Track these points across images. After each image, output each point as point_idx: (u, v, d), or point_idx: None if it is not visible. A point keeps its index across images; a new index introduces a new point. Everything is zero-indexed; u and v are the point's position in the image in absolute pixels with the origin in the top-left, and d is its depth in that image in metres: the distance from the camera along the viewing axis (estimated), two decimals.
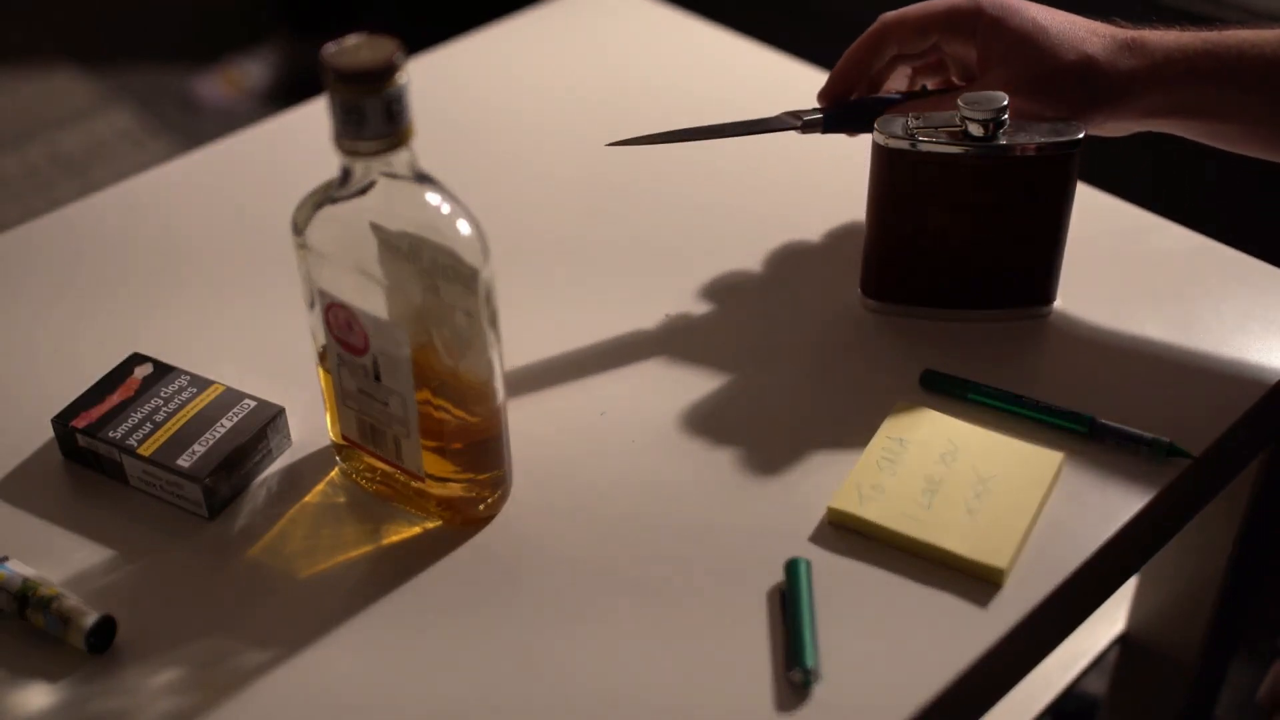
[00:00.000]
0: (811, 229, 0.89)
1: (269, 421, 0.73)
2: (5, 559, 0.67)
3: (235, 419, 0.73)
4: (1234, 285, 0.84)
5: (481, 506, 0.70)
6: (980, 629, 0.65)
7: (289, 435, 0.75)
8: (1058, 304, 0.82)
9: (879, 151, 0.77)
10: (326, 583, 0.68)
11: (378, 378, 0.66)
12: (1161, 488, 0.71)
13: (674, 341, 0.81)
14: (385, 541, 0.70)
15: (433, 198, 0.62)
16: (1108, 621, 1.03)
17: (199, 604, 0.67)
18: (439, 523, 0.70)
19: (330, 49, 0.59)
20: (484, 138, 0.99)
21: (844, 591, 0.66)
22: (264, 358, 0.80)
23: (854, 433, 0.74)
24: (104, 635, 0.64)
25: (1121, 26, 0.77)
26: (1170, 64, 0.74)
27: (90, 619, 0.64)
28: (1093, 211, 0.88)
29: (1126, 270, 0.85)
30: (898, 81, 0.83)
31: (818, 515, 0.70)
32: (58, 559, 0.69)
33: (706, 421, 0.76)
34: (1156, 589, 0.99)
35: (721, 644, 0.64)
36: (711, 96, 1.03)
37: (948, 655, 0.63)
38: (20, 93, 2.44)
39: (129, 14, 2.61)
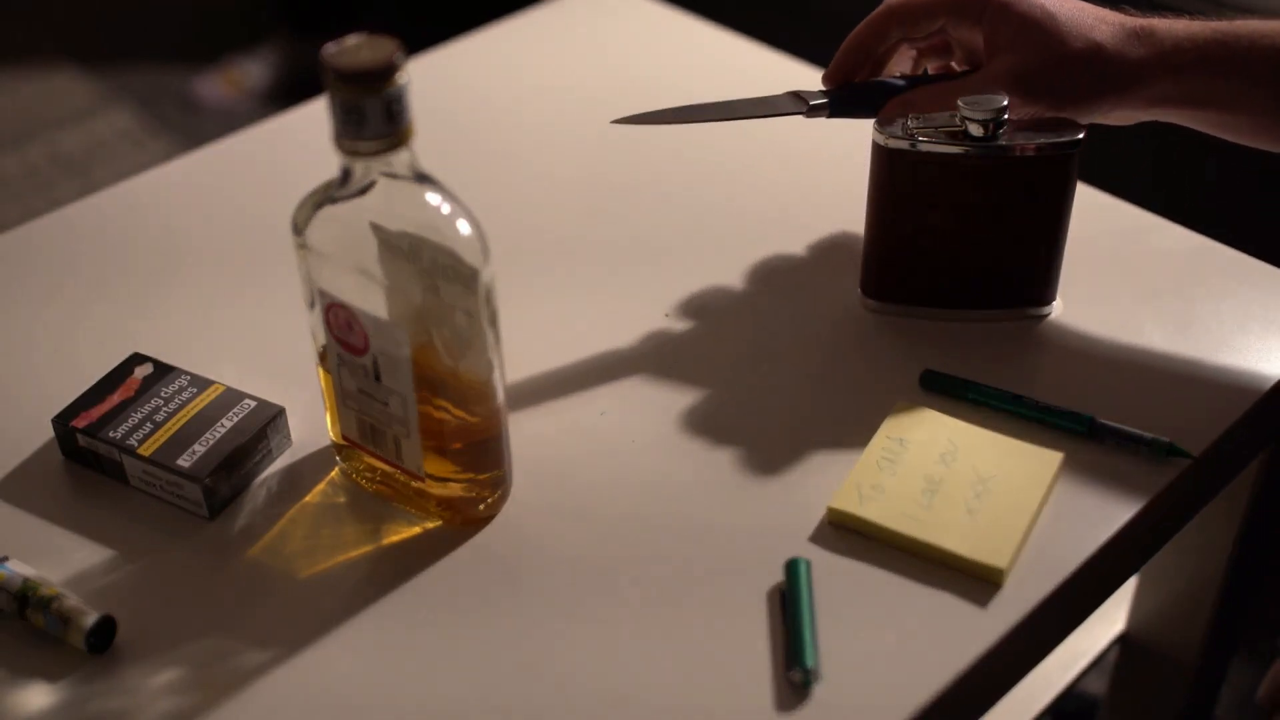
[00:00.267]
0: (811, 229, 0.89)
1: (269, 421, 0.73)
2: (5, 559, 0.67)
3: (235, 419, 0.73)
4: (1234, 285, 0.84)
5: (481, 506, 0.70)
6: (980, 629, 0.65)
7: (289, 435, 0.75)
8: (1058, 304, 0.82)
9: (879, 151, 0.77)
10: (326, 583, 0.68)
11: (378, 378, 0.66)
12: (1161, 488, 0.71)
13: (674, 342, 0.81)
14: (385, 541, 0.70)
15: (433, 198, 0.62)
16: (1108, 621, 1.03)
17: (199, 604, 0.67)
18: (439, 523, 0.70)
19: (330, 49, 0.59)
20: (484, 138, 0.99)
21: (844, 591, 0.66)
22: (264, 358, 0.80)
23: (854, 433, 0.74)
24: (104, 635, 0.64)
25: (1130, 15, 0.76)
26: (1179, 53, 0.74)
27: (90, 619, 0.64)
28: (1093, 211, 0.88)
29: (1126, 270, 0.85)
30: (901, 63, 0.82)
31: (818, 515, 0.70)
32: (58, 559, 0.69)
33: (706, 421, 0.76)
34: (1156, 589, 0.99)
35: (721, 644, 0.64)
36: (712, 96, 1.02)
37: (948, 655, 0.63)
38: (20, 93, 2.44)
39: (129, 14, 2.61)
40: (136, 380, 0.75)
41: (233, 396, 0.74)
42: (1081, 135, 0.75)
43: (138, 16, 2.61)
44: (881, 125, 0.76)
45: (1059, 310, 0.82)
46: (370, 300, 0.64)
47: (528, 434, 0.74)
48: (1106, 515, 0.70)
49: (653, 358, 0.80)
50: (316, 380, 0.71)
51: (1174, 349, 0.79)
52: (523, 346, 0.78)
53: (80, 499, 0.73)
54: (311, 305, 0.66)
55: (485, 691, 0.63)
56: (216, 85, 2.40)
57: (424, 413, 0.66)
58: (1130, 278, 0.84)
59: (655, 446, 0.74)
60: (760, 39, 1.09)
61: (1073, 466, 0.72)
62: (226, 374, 0.77)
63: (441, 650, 0.65)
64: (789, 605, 0.65)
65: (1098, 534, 0.69)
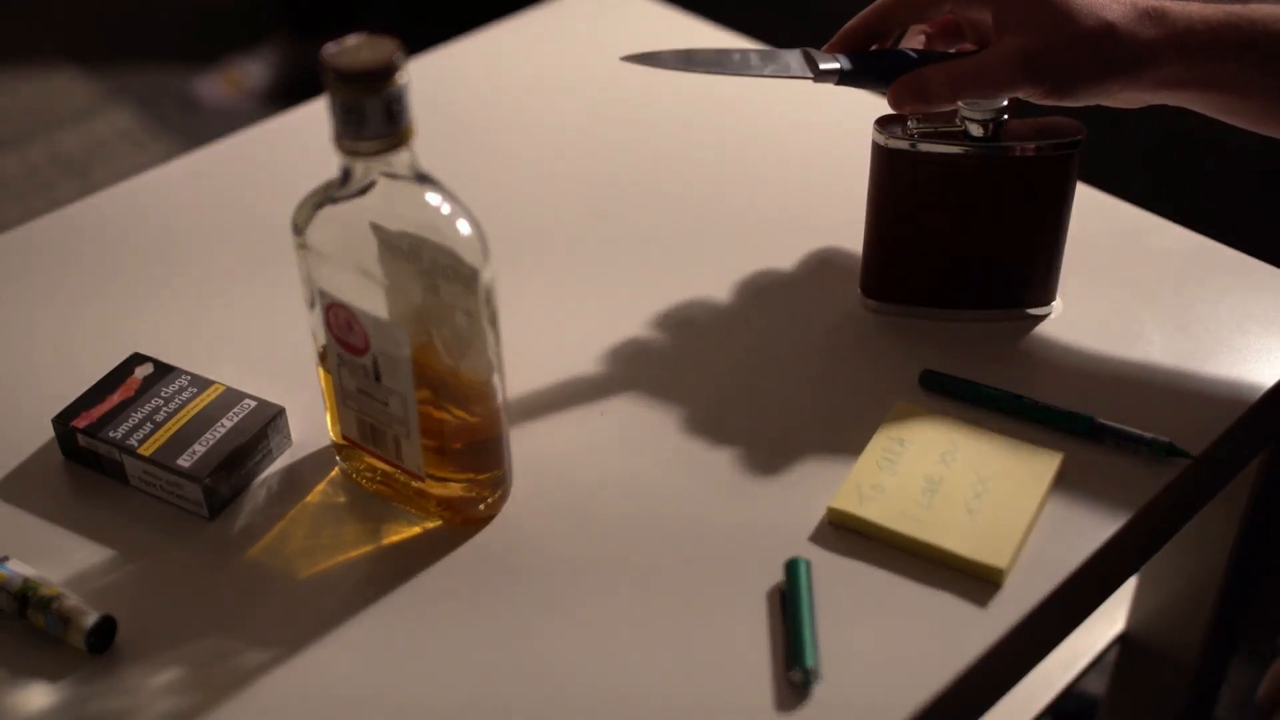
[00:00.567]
0: (811, 229, 0.89)
1: (269, 421, 0.73)
2: (5, 559, 0.67)
3: (235, 419, 0.73)
4: (1234, 285, 0.84)
5: (481, 506, 0.70)
6: (980, 629, 0.65)
7: (289, 435, 0.75)
8: (1058, 304, 0.82)
9: (879, 151, 0.77)
10: (326, 583, 0.68)
11: (378, 378, 0.66)
12: (1161, 488, 0.71)
13: (674, 342, 0.81)
14: (385, 541, 0.70)
15: (433, 198, 0.62)
16: (1108, 621, 1.03)
17: (199, 604, 0.67)
18: (439, 523, 0.70)
19: (330, 49, 0.59)
20: (484, 138, 0.99)
21: (844, 591, 0.66)
22: (264, 358, 0.80)
23: (854, 433, 0.74)
24: (104, 635, 0.64)
25: None
26: (1192, 34, 0.73)
27: (90, 619, 0.64)
28: (1093, 211, 0.88)
29: (1126, 270, 0.85)
30: (911, 44, 0.81)
31: (818, 515, 0.70)
32: (58, 559, 0.69)
33: (706, 421, 0.76)
34: (1156, 589, 0.99)
35: (721, 644, 0.64)
36: (712, 96, 1.03)
37: (948, 655, 0.63)
38: (20, 93, 2.44)
39: (129, 14, 2.61)
40: (137, 380, 0.75)
41: (233, 396, 0.74)
42: (1081, 135, 0.75)
43: (138, 16, 2.61)
44: (881, 126, 0.76)
45: (1059, 310, 0.82)
46: (370, 300, 0.64)
47: (528, 434, 0.74)
48: (1106, 515, 0.70)
49: (653, 358, 0.80)
50: (316, 380, 0.71)
51: (1174, 349, 0.79)
52: (523, 346, 0.78)
53: (80, 499, 0.73)
54: (311, 305, 0.66)
55: (485, 691, 0.63)
56: (216, 85, 2.40)
57: (424, 413, 0.66)
58: (1130, 278, 0.84)
59: (655, 446, 0.74)
60: (760, 39, 1.09)
61: (1073, 466, 0.72)
62: (226, 374, 0.77)
63: (441, 650, 0.65)
64: (789, 605, 0.65)
65: (1098, 534, 0.69)
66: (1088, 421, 0.73)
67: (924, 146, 0.75)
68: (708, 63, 0.79)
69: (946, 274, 0.80)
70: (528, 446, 0.73)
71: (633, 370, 0.79)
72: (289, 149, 0.98)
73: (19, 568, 0.67)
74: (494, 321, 0.65)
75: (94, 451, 0.73)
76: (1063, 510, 0.70)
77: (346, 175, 0.62)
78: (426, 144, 0.64)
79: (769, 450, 0.74)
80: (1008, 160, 0.75)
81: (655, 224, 0.90)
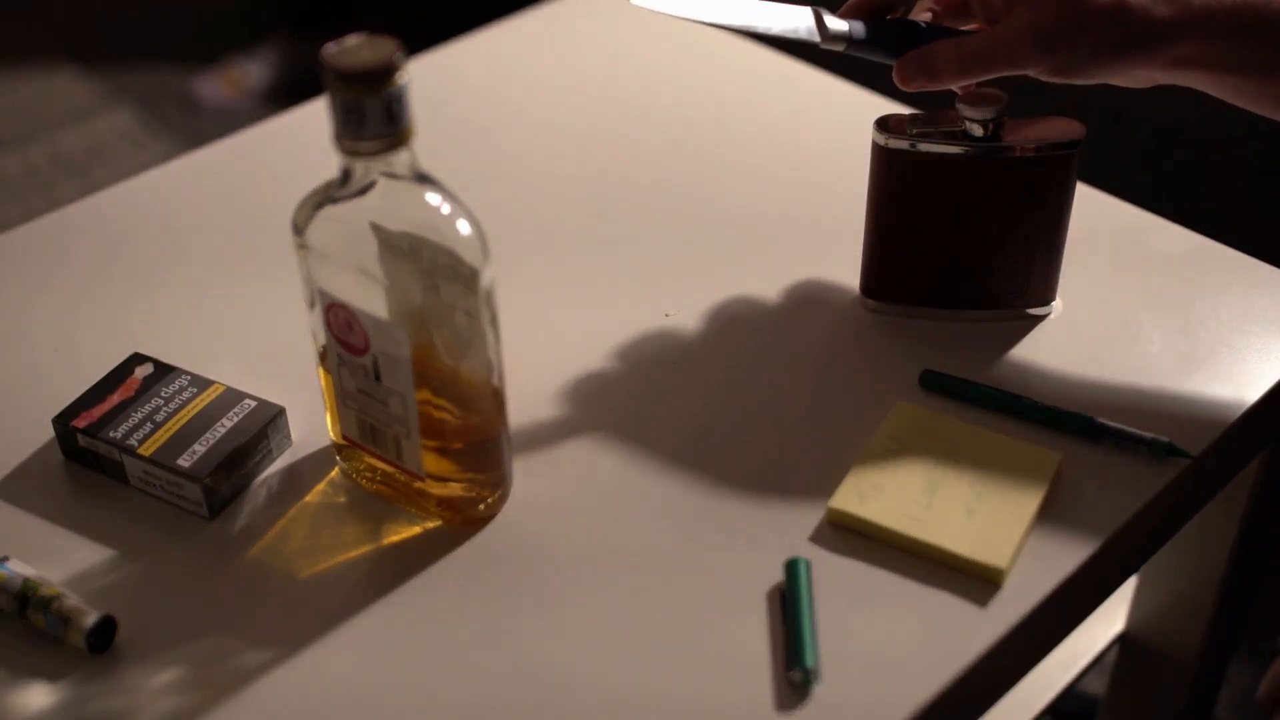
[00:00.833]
0: (812, 229, 0.89)
1: (269, 421, 0.73)
2: (5, 559, 0.67)
3: (235, 419, 0.73)
4: (1234, 285, 0.84)
5: (481, 506, 0.70)
6: (980, 629, 0.65)
7: (289, 435, 0.75)
8: (1058, 304, 0.82)
9: (879, 151, 0.77)
10: (326, 583, 0.68)
11: (378, 378, 0.66)
12: (1161, 488, 0.71)
13: (674, 341, 0.81)
14: (385, 541, 0.70)
15: (433, 198, 0.62)
16: (1107, 621, 1.03)
17: (199, 604, 0.67)
18: (439, 523, 0.70)
19: (330, 49, 0.59)
20: (484, 138, 0.99)
21: (844, 591, 0.66)
22: (264, 358, 0.80)
23: (854, 433, 0.74)
24: (104, 635, 0.64)
25: None
26: (1208, 14, 0.71)
27: (90, 619, 0.64)
28: (1093, 211, 0.88)
29: (1126, 270, 0.85)
30: (918, 18, 0.80)
31: (818, 515, 0.70)
32: (58, 559, 0.69)
33: (706, 422, 0.76)
34: (1156, 589, 0.99)
35: (721, 644, 0.64)
36: (711, 96, 1.03)
37: (948, 655, 0.64)
38: (20, 93, 2.44)
39: (129, 14, 2.61)
40: (137, 380, 0.76)
41: (233, 396, 0.74)
42: (1081, 136, 0.75)
43: (138, 16, 2.61)
44: (882, 125, 0.76)
45: (1059, 310, 0.82)
46: (370, 300, 0.64)
47: (528, 434, 0.74)
48: (1106, 515, 0.70)
49: (653, 358, 0.80)
50: (316, 380, 0.71)
51: (1174, 349, 0.79)
52: (523, 346, 0.78)
53: (80, 499, 0.73)
54: (311, 305, 0.66)
55: (485, 691, 0.63)
56: (216, 85, 2.40)
57: (424, 413, 0.66)
58: (1130, 278, 0.84)
59: (655, 447, 0.74)
60: (760, 39, 1.09)
61: (1072, 466, 0.72)
62: (226, 374, 0.77)
63: (441, 650, 0.65)
64: (789, 605, 0.65)
65: (1098, 534, 0.69)
66: (1087, 422, 0.73)
67: (924, 146, 0.75)
68: (715, 11, 0.76)
69: (946, 274, 0.80)
70: (528, 446, 0.73)
71: (632, 370, 0.79)
72: (289, 149, 0.98)
73: (19, 568, 0.67)
74: (494, 321, 0.65)
75: (94, 451, 0.73)
76: (1063, 510, 0.70)
77: (346, 175, 0.62)
78: (426, 144, 0.64)
79: (769, 450, 0.74)
80: (1008, 160, 0.75)
81: (655, 224, 0.90)
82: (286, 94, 2.32)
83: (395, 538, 0.70)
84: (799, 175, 0.94)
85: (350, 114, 0.59)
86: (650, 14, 0.77)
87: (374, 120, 0.59)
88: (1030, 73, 0.73)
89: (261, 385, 0.76)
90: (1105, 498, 0.71)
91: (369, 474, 0.71)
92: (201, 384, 0.75)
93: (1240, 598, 0.97)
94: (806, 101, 1.02)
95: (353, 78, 0.58)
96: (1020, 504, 0.69)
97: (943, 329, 0.81)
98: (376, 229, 0.63)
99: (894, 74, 0.74)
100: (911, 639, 0.64)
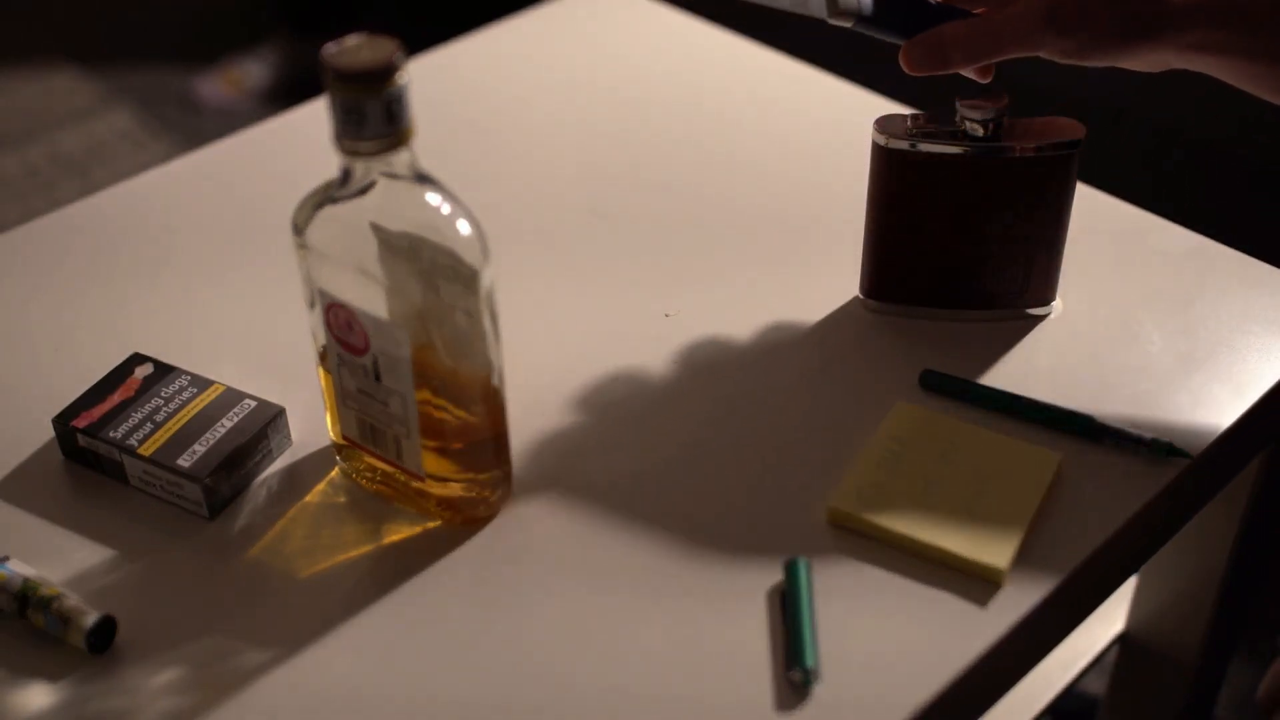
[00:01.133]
0: (811, 229, 0.89)
1: (269, 421, 0.73)
2: (5, 559, 0.67)
3: (235, 419, 0.73)
4: (1234, 285, 0.84)
5: (482, 506, 0.70)
6: (980, 629, 0.65)
7: (289, 435, 0.75)
8: (1058, 304, 0.82)
9: (879, 151, 0.77)
10: (326, 583, 0.68)
11: (378, 378, 0.66)
12: (1161, 488, 0.71)
13: (674, 341, 0.81)
14: (385, 541, 0.70)
15: (433, 198, 0.62)
16: (1107, 621, 1.03)
17: (199, 604, 0.67)
18: (439, 523, 0.70)
19: (330, 49, 0.59)
20: (484, 138, 0.99)
21: (844, 591, 0.66)
22: (264, 358, 0.80)
23: (854, 433, 0.74)
24: (104, 635, 0.64)
25: None
26: None
27: (90, 619, 0.64)
28: (1093, 211, 0.88)
29: (1126, 270, 0.85)
30: None
31: (818, 515, 0.70)
32: (58, 559, 0.69)
33: (706, 421, 0.76)
34: (1156, 589, 0.99)
35: (721, 644, 0.64)
36: (712, 96, 1.03)
37: (948, 655, 0.64)
38: (20, 93, 2.44)
39: (129, 14, 2.61)
40: (137, 380, 0.76)
41: (233, 396, 0.74)
42: (1081, 136, 0.75)
43: (138, 16, 2.61)
44: (881, 126, 0.76)
45: (1059, 310, 0.82)
46: (370, 300, 0.64)
47: (528, 434, 0.74)
48: (1106, 515, 0.70)
49: (653, 358, 0.80)
50: (316, 380, 0.71)
51: (1174, 349, 0.79)
52: (523, 346, 0.78)
53: (80, 499, 0.73)
54: (311, 305, 0.66)
55: (485, 691, 0.63)
56: (216, 85, 2.40)
57: (424, 413, 0.66)
58: (1130, 278, 0.84)
59: (655, 446, 0.74)
60: (760, 39, 1.09)
61: (1072, 466, 0.72)
62: (226, 374, 0.77)
63: (441, 650, 0.65)
64: (789, 605, 0.65)
65: (1098, 534, 0.69)
66: (1087, 422, 0.73)
67: (924, 146, 0.75)
68: None
69: (946, 274, 0.80)
70: (528, 447, 0.73)
71: (633, 370, 0.79)
72: (289, 149, 0.98)
73: (19, 568, 0.67)
74: (494, 321, 0.65)
75: (94, 451, 0.73)
76: (1063, 510, 0.70)
77: (346, 175, 0.62)
78: (426, 144, 0.64)
79: (769, 450, 0.74)
80: (1008, 160, 0.75)
81: (655, 224, 0.90)
82: (286, 94, 2.32)
83: (395, 538, 0.70)
84: (799, 175, 0.94)
85: (350, 114, 0.59)
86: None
87: (374, 120, 0.59)
88: (1042, 54, 0.71)
89: (261, 385, 0.76)
90: (1105, 498, 0.71)
91: (369, 474, 0.71)
92: (201, 384, 0.75)
93: (1240, 598, 0.97)
94: (806, 101, 1.02)
95: (353, 78, 0.58)
96: (1020, 504, 0.69)
97: (943, 329, 0.81)
98: (376, 229, 0.63)
99: (901, 56, 0.73)
100: (911, 639, 0.64)
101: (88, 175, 2.23)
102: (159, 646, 0.65)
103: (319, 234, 0.64)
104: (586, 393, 0.78)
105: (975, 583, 0.66)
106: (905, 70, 0.73)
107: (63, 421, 0.73)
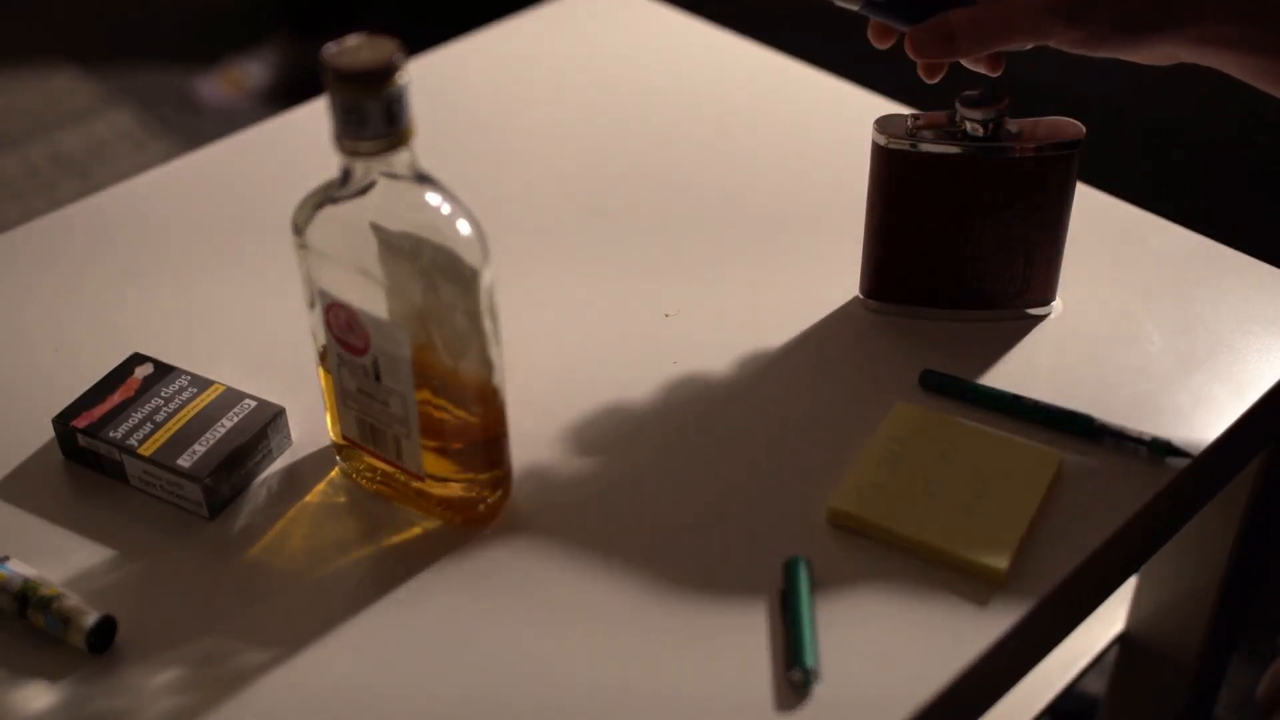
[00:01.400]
0: (811, 229, 0.89)
1: (269, 421, 0.73)
2: (5, 559, 0.67)
3: (235, 419, 0.73)
4: (1234, 285, 0.84)
5: (481, 506, 0.70)
6: (980, 629, 0.65)
7: (289, 435, 0.75)
8: (1058, 304, 0.82)
9: (879, 151, 0.77)
10: (326, 583, 0.68)
11: (378, 378, 0.66)
12: (1161, 488, 0.71)
13: (674, 342, 0.81)
14: (385, 541, 0.70)
15: (433, 198, 0.62)
16: (1107, 621, 1.03)
17: (199, 604, 0.67)
18: (439, 523, 0.70)
19: (330, 49, 0.59)
20: (484, 138, 0.99)
21: (844, 591, 0.66)
22: (264, 358, 0.80)
23: (854, 433, 0.74)
24: (104, 635, 0.64)
25: None
26: None
27: (90, 619, 0.64)
28: (1093, 211, 0.88)
29: (1126, 270, 0.85)
30: None
31: (818, 515, 0.70)
32: (58, 559, 0.69)
33: (707, 421, 0.76)
34: (1156, 589, 0.99)
35: (721, 644, 0.64)
36: (712, 96, 1.03)
37: (948, 655, 0.64)
38: (20, 93, 2.44)
39: (129, 14, 2.61)
40: (137, 380, 0.76)
41: (233, 396, 0.74)
42: (1081, 136, 0.75)
43: (138, 16, 2.61)
44: (882, 126, 0.76)
45: (1059, 310, 0.82)
46: (370, 300, 0.64)
47: (528, 434, 0.74)
48: (1106, 515, 0.70)
49: (653, 358, 0.80)
50: (316, 380, 0.71)
51: (1174, 349, 0.79)
52: (523, 346, 0.78)
53: (80, 499, 0.73)
54: (311, 305, 0.66)
55: (485, 691, 0.63)
56: (216, 85, 2.40)
57: (424, 413, 0.66)
58: (1130, 278, 0.84)
59: (655, 447, 0.74)
60: (760, 39, 1.09)
61: (1072, 466, 0.72)
62: (226, 374, 0.77)
63: (441, 650, 0.65)
64: (789, 605, 0.65)
65: (1098, 534, 0.69)
66: (1087, 422, 0.73)
67: (924, 146, 0.75)
68: None
69: (946, 274, 0.80)
70: (528, 446, 0.73)
71: (632, 370, 0.79)
72: (289, 149, 0.98)
73: (19, 568, 0.67)
74: (494, 321, 0.65)
75: (94, 451, 0.73)
76: (1063, 510, 0.70)
77: (346, 175, 0.62)
78: (426, 144, 0.64)
79: (769, 450, 0.74)
80: (1008, 160, 0.75)
81: (655, 224, 0.90)
82: (286, 94, 2.31)
83: (395, 538, 0.70)
84: (799, 175, 0.94)
85: (350, 114, 0.59)
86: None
87: (374, 120, 0.59)
88: (1050, 44, 0.71)
89: (261, 385, 0.76)
90: (1105, 498, 0.71)
91: (369, 474, 0.71)
92: (201, 384, 0.75)
93: (1240, 598, 0.97)
94: (806, 101, 1.02)
95: (353, 78, 0.58)
96: (1020, 504, 0.69)
97: (943, 329, 0.81)
98: (376, 229, 0.63)
99: (907, 43, 0.72)
100: (911, 639, 0.64)
101: (88, 175, 2.23)
102: (159, 646, 0.65)
103: (319, 234, 0.64)
104: (586, 393, 0.78)
105: (975, 583, 0.66)
106: (911, 56, 0.72)
107: (63, 421, 0.73)
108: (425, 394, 0.66)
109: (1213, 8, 0.69)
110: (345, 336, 0.66)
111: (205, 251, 0.89)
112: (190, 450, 0.71)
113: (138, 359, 0.77)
